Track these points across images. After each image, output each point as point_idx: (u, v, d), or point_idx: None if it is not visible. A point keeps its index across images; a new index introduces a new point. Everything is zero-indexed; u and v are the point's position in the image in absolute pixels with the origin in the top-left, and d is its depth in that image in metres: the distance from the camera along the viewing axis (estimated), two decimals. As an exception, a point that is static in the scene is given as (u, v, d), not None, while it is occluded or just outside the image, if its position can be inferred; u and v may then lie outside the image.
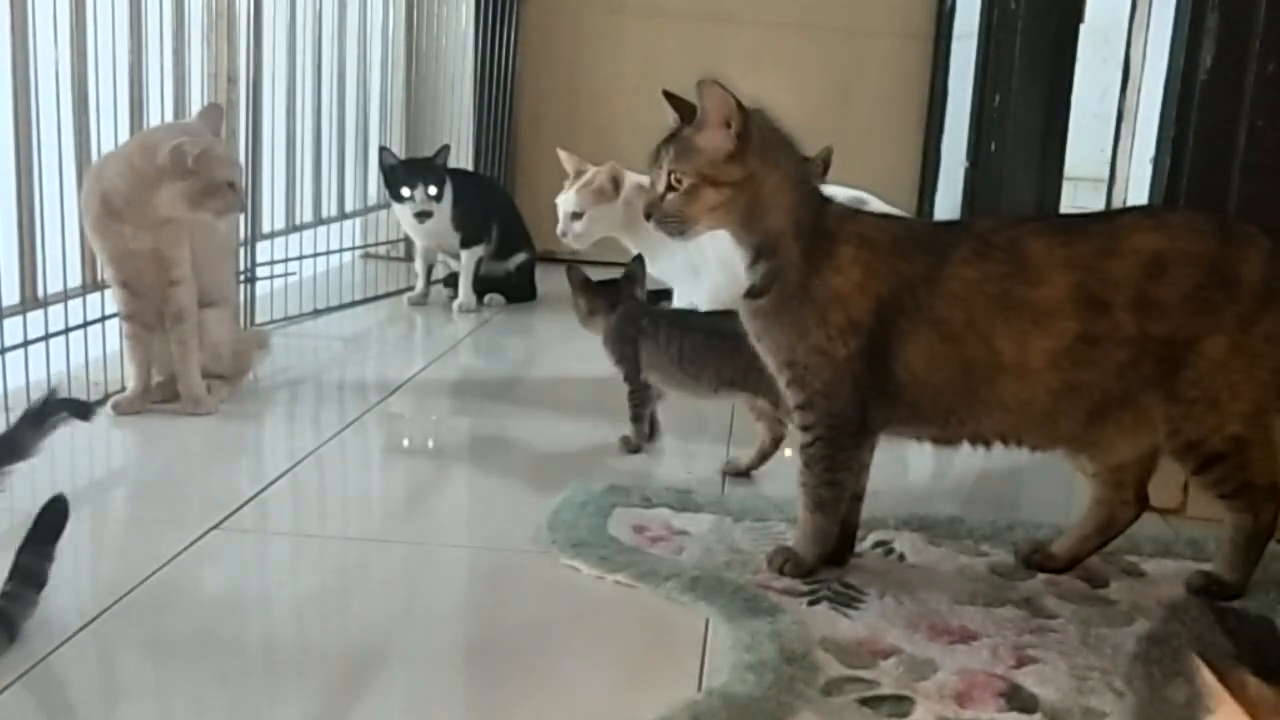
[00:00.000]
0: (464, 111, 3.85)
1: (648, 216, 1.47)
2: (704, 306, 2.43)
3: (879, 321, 1.42)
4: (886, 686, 1.23)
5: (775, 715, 1.17)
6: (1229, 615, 0.92)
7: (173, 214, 2.01)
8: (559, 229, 2.72)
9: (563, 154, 2.77)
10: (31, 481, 1.47)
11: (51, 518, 1.33)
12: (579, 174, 2.71)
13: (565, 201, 2.71)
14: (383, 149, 3.24)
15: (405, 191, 3.14)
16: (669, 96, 1.50)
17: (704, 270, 2.50)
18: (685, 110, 1.48)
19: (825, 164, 3.32)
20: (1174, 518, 1.78)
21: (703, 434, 2.20)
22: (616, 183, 2.67)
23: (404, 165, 3.20)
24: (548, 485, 1.81)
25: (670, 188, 1.44)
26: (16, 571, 1.27)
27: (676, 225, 1.45)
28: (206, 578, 1.49)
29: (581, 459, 2.02)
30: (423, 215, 3.16)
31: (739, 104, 1.41)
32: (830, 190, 2.37)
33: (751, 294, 1.47)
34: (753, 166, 1.42)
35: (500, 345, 3.04)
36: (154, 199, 1.99)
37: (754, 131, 1.42)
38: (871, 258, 1.43)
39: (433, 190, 3.14)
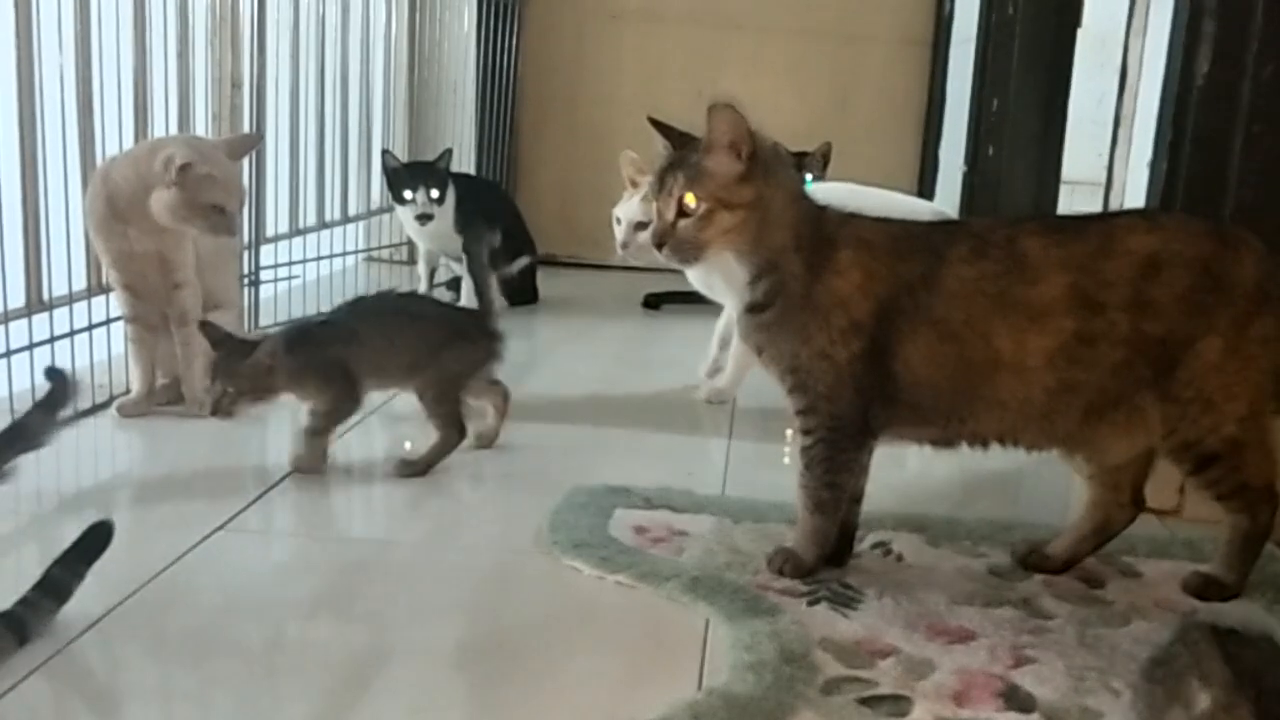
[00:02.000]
0: (466, 116, 3.87)
1: (659, 246, 1.45)
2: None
3: (879, 322, 1.44)
4: (885, 686, 1.24)
5: (775, 715, 1.18)
6: (1230, 639, 0.91)
7: (162, 221, 2.00)
8: (620, 241, 2.52)
9: (630, 157, 2.55)
10: (37, 483, 1.49)
11: (93, 540, 1.34)
12: (634, 184, 2.53)
13: (629, 211, 2.53)
14: (385, 152, 3.25)
15: (407, 194, 3.15)
16: (656, 124, 1.50)
17: None
18: (673, 136, 1.48)
19: (824, 159, 3.34)
20: (1171, 519, 1.79)
21: (703, 434, 2.21)
22: None
23: (406, 168, 3.21)
24: (549, 486, 1.82)
25: (680, 214, 1.43)
26: (44, 581, 1.28)
27: (691, 252, 1.44)
28: (211, 579, 1.50)
29: (583, 460, 2.03)
30: (424, 218, 3.18)
31: (749, 128, 1.41)
32: (863, 191, 2.39)
33: (754, 309, 1.47)
34: (761, 187, 1.43)
35: (502, 348, 3.05)
36: (148, 202, 2.00)
37: (759, 152, 1.43)
38: (870, 259, 1.45)
39: (435, 193, 3.15)
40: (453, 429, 1.92)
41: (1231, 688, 0.85)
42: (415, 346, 1.91)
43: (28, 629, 1.24)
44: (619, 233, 2.53)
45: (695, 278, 2.42)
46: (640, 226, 2.47)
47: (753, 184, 1.42)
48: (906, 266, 1.44)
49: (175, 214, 1.99)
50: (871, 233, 1.48)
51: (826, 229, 1.46)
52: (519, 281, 3.43)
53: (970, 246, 1.44)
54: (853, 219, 1.49)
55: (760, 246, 1.45)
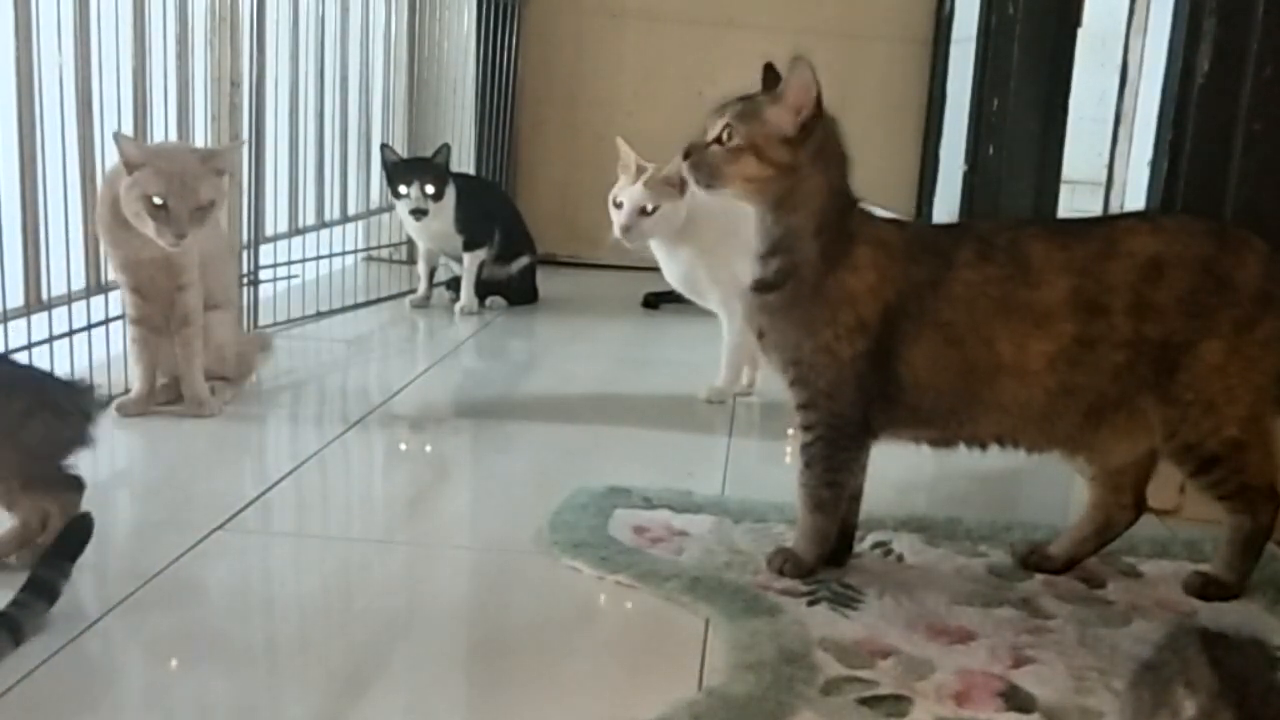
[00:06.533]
0: (466, 115, 3.87)
1: (686, 155, 1.47)
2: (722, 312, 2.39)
3: (885, 323, 1.44)
4: (885, 686, 1.24)
5: (774, 715, 1.18)
6: (1218, 645, 0.92)
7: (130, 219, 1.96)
8: (622, 224, 2.33)
9: (625, 144, 2.42)
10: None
11: (74, 535, 1.36)
12: (640, 169, 2.37)
13: (634, 195, 2.33)
14: (384, 146, 3.24)
15: (403, 189, 3.15)
16: (768, 68, 1.49)
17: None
18: (772, 84, 1.47)
19: None
20: (1171, 519, 1.79)
21: (703, 434, 2.21)
22: (684, 178, 2.42)
23: (404, 163, 3.21)
24: (549, 486, 1.82)
25: (718, 140, 1.44)
26: (31, 582, 1.30)
27: (706, 177, 1.46)
28: (210, 579, 1.50)
29: (583, 460, 2.03)
30: (418, 213, 3.16)
31: (819, 97, 1.42)
32: None
33: (761, 288, 1.48)
34: (801, 160, 1.43)
35: (502, 348, 3.06)
36: None
37: (818, 130, 1.43)
38: (886, 261, 1.45)
39: (430, 189, 3.14)
40: (33, 519, 1.47)
41: (1216, 695, 0.85)
42: None
43: (23, 630, 1.25)
44: (620, 216, 2.35)
45: (675, 277, 2.42)
46: (645, 213, 2.33)
47: (795, 151, 1.43)
48: (917, 270, 1.45)
49: (128, 209, 1.94)
50: (890, 234, 1.48)
51: (850, 224, 1.47)
52: (519, 281, 3.43)
53: (975, 250, 1.44)
54: (876, 220, 1.50)
55: (779, 217, 1.45)
